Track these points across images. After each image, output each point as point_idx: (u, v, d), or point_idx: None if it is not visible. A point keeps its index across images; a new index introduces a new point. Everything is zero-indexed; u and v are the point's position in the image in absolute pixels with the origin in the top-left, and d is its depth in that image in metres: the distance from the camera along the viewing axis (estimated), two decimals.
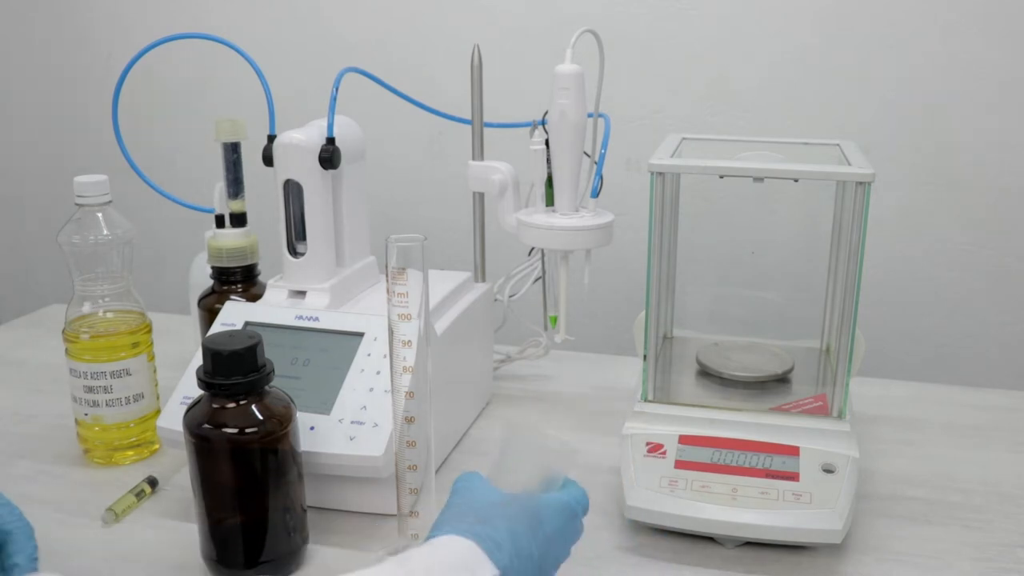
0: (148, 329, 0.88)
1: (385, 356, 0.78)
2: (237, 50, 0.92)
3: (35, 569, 0.60)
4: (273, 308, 0.84)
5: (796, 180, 0.76)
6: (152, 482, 0.83)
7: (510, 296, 1.02)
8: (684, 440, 0.77)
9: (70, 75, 1.43)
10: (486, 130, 0.94)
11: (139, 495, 0.81)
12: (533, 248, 0.96)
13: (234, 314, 0.84)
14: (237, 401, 0.67)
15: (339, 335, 0.81)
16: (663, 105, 1.19)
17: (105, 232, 0.83)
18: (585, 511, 0.61)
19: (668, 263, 0.89)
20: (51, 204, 1.46)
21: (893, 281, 1.17)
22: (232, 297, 0.89)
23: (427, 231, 0.68)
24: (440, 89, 1.06)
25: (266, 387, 0.69)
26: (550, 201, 0.89)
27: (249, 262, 0.93)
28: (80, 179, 0.83)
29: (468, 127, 0.94)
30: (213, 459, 0.68)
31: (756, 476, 0.74)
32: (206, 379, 0.67)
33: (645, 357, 0.82)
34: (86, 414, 0.86)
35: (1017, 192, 1.12)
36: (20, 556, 0.60)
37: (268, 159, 0.86)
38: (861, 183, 0.73)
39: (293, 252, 0.88)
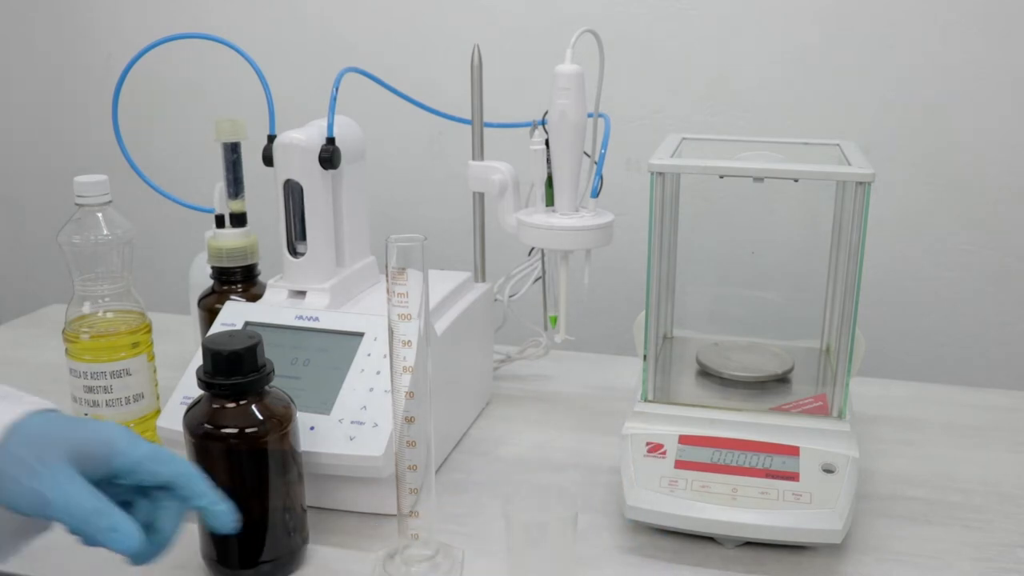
0: (148, 329, 0.88)
1: (385, 356, 0.78)
2: (237, 50, 0.92)
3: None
4: (273, 308, 0.84)
5: (796, 180, 0.76)
6: None
7: (510, 296, 1.02)
8: (684, 440, 0.77)
9: (70, 75, 1.43)
10: (486, 130, 0.94)
11: None
12: (533, 248, 0.96)
13: (234, 314, 0.84)
14: (237, 401, 0.67)
15: (339, 335, 0.81)
16: (663, 105, 1.19)
17: (105, 232, 0.83)
18: None
19: (668, 263, 0.89)
20: (51, 204, 1.46)
21: (893, 281, 1.17)
22: (232, 297, 0.89)
23: (427, 231, 0.68)
24: (440, 89, 1.06)
25: (266, 387, 0.69)
26: (550, 201, 0.89)
27: (249, 262, 0.93)
28: (80, 179, 0.83)
29: (468, 127, 0.94)
30: (213, 459, 0.68)
31: (756, 476, 0.73)
32: (206, 379, 0.67)
33: (645, 357, 0.82)
34: (86, 414, 0.86)
35: (1017, 192, 1.12)
36: (203, 500, 0.58)
37: (268, 159, 0.86)
38: (861, 183, 0.73)
39: (293, 252, 0.88)
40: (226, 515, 0.58)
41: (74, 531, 0.53)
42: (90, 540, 0.53)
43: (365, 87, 0.93)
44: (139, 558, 0.54)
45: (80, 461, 0.54)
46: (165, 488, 0.57)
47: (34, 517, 0.54)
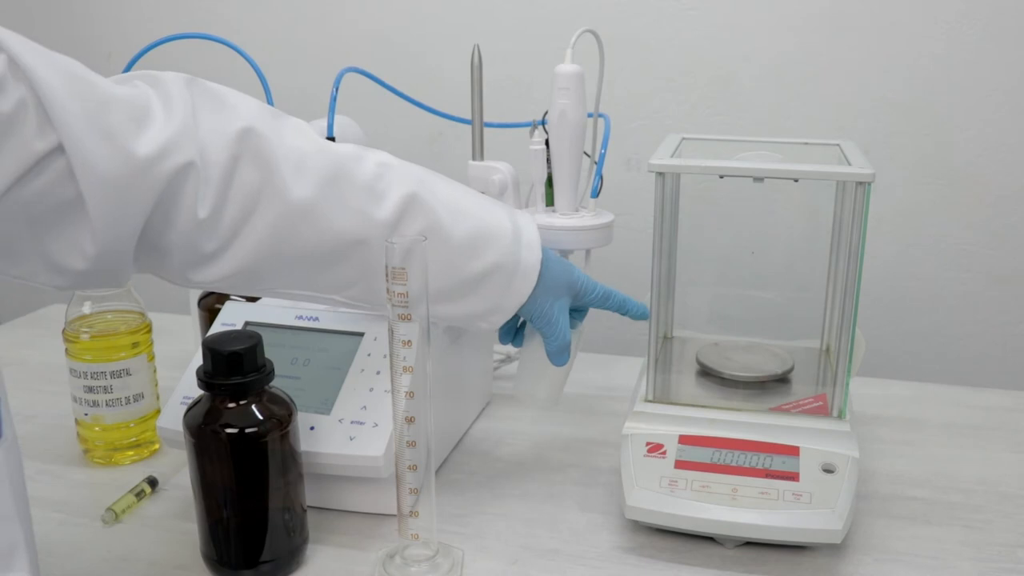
0: (148, 329, 0.88)
1: (385, 356, 0.78)
2: (237, 50, 0.92)
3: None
4: (273, 308, 0.84)
5: (796, 180, 0.76)
6: (152, 482, 0.83)
7: None
8: (684, 440, 0.77)
9: None
10: (486, 130, 0.94)
11: (139, 495, 0.81)
12: None
13: (234, 314, 0.84)
14: (237, 401, 0.67)
15: (339, 335, 0.81)
16: (663, 105, 1.19)
17: None
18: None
19: (668, 263, 0.89)
20: None
21: (893, 281, 1.17)
22: (232, 297, 0.89)
23: None
24: (440, 89, 1.06)
25: (266, 387, 0.69)
26: (550, 201, 0.89)
27: None
28: None
29: (468, 127, 0.94)
30: (213, 459, 0.68)
31: (756, 476, 0.73)
32: (206, 379, 0.67)
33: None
34: (86, 414, 0.86)
35: (1017, 192, 1.12)
36: (634, 311, 0.82)
37: None
38: (861, 183, 0.73)
39: None
40: (643, 310, 0.82)
41: (548, 346, 0.78)
42: (548, 347, 0.78)
43: (365, 87, 0.93)
44: (564, 363, 0.79)
45: (570, 295, 0.78)
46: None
47: (534, 324, 0.78)
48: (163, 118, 0.61)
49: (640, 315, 0.82)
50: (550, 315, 0.76)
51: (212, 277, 0.66)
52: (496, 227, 0.72)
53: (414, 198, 0.69)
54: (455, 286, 0.71)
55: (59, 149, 0.56)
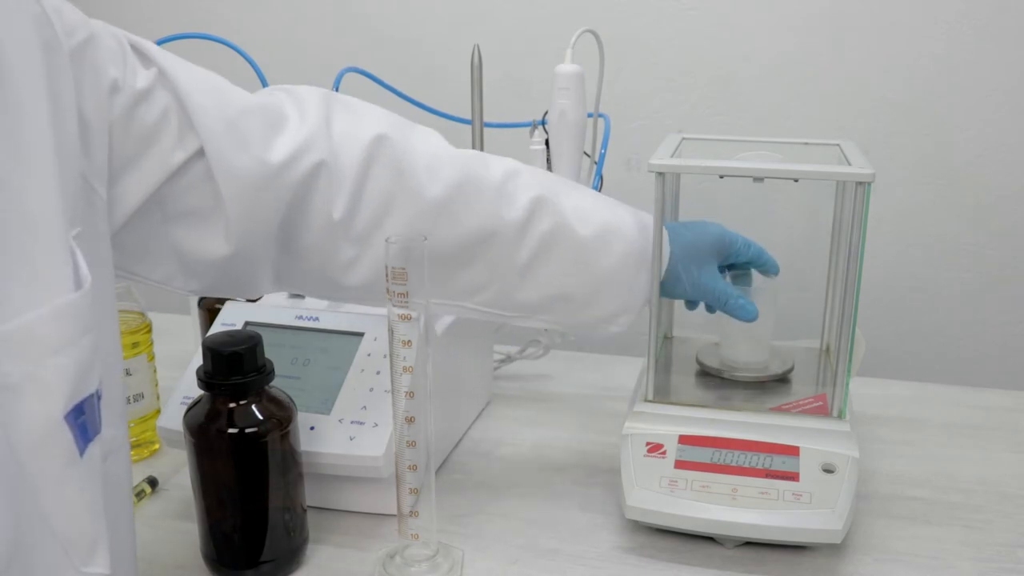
0: (148, 329, 0.88)
1: (385, 356, 0.78)
2: (237, 50, 0.92)
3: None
4: (273, 308, 0.84)
5: (796, 180, 0.76)
6: (152, 482, 0.83)
7: None
8: (684, 440, 0.77)
9: None
10: (486, 130, 0.94)
11: (139, 495, 0.81)
12: None
13: (234, 314, 0.84)
14: (237, 401, 0.67)
15: (339, 335, 0.81)
16: (663, 105, 1.19)
17: None
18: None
19: None
20: None
21: (893, 281, 1.17)
22: (232, 297, 0.89)
23: None
24: (440, 89, 1.06)
25: (266, 387, 0.69)
26: None
27: None
28: None
29: (468, 127, 0.94)
30: (213, 459, 0.68)
31: (756, 476, 0.73)
32: (206, 379, 0.67)
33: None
34: None
35: (1017, 192, 1.12)
36: (772, 268, 0.83)
37: None
38: (861, 183, 0.73)
39: None
40: (774, 264, 0.84)
41: (719, 308, 0.79)
42: (725, 311, 0.79)
43: (365, 87, 0.93)
44: (754, 317, 0.79)
45: (717, 256, 0.79)
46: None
47: (697, 300, 0.81)
48: (297, 123, 0.64)
49: (773, 270, 0.83)
50: (703, 286, 0.78)
51: (353, 283, 0.68)
52: (621, 223, 0.75)
53: (542, 200, 0.71)
54: (589, 285, 0.74)
55: (199, 153, 0.59)
